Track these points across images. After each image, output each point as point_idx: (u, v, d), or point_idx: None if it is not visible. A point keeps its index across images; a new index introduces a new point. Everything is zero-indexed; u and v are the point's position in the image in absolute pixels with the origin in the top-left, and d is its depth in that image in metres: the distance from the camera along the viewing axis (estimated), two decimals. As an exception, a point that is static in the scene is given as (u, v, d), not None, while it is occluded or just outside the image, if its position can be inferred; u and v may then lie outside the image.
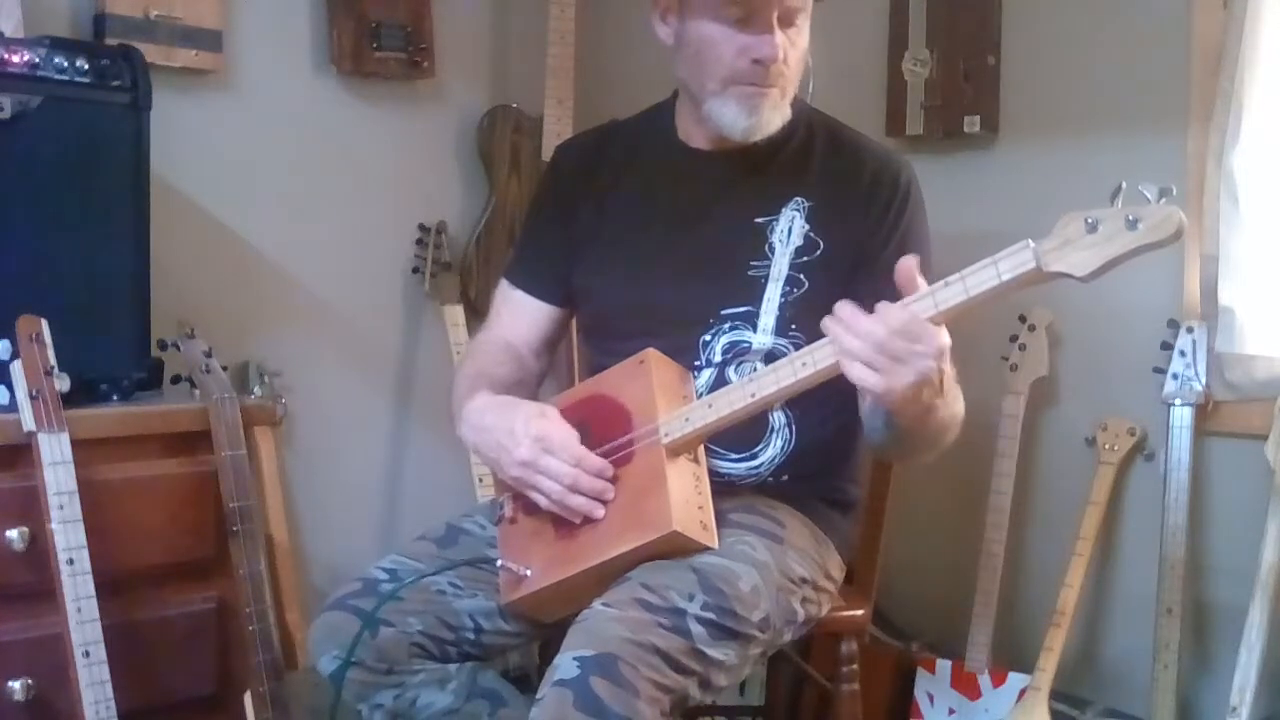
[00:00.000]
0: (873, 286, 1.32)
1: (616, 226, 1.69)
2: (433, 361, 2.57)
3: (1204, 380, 1.98)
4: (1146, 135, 2.06)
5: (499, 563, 1.51)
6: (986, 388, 2.12)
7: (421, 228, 2.55)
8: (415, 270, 2.55)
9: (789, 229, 1.59)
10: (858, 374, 1.27)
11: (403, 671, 1.49)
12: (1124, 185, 1.19)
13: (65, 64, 1.83)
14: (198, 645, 1.91)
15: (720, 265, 1.60)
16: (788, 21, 1.52)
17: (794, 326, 1.58)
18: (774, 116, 1.56)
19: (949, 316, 1.27)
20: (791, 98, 1.58)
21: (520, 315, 1.76)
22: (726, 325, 1.59)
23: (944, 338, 1.27)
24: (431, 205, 2.58)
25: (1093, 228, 1.19)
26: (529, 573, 1.47)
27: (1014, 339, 2.18)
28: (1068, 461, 2.19)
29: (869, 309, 1.27)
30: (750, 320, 1.59)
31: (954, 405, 1.42)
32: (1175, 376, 2.00)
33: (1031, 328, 2.17)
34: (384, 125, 2.54)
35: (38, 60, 1.81)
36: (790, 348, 1.56)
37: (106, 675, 1.67)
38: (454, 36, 2.60)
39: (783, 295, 1.58)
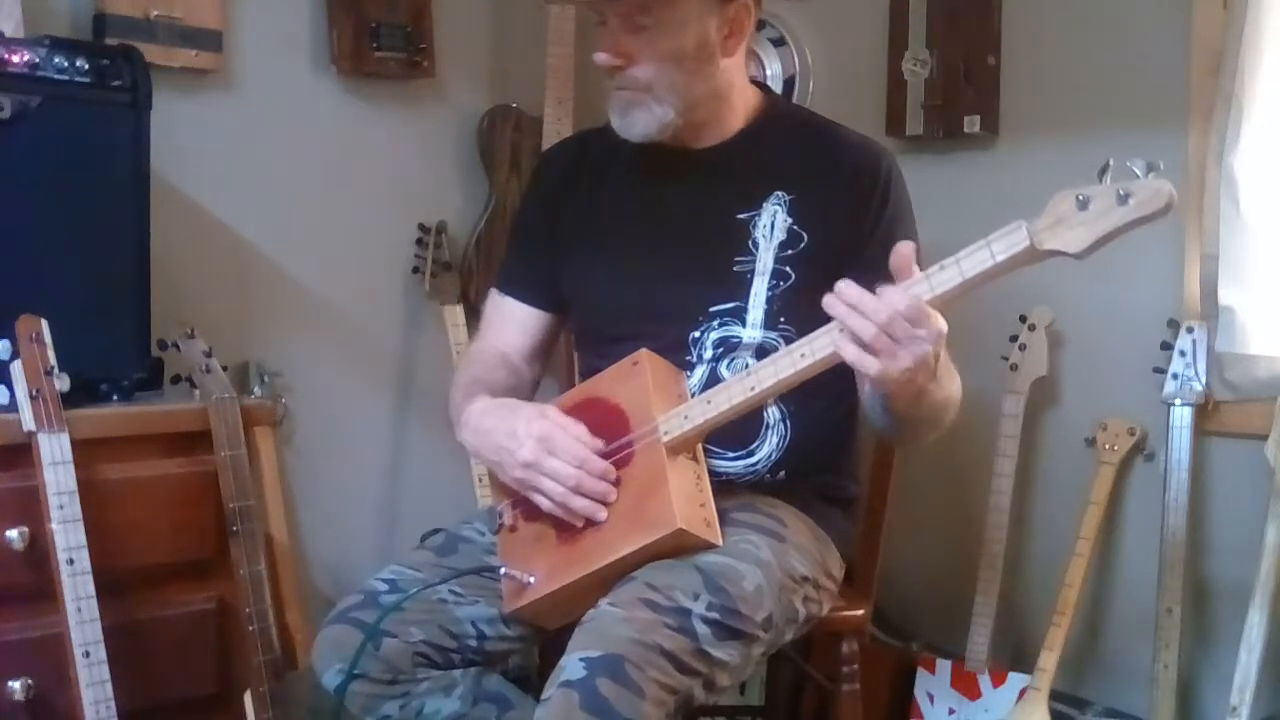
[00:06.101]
0: (861, 276, 1.32)
1: (601, 229, 1.70)
2: (433, 361, 2.57)
3: (1204, 380, 1.98)
4: (1146, 135, 2.06)
5: (502, 571, 1.50)
6: (986, 388, 2.12)
7: (421, 228, 2.55)
8: (415, 270, 2.55)
9: (771, 223, 1.60)
10: (854, 356, 1.28)
11: (407, 681, 1.48)
12: (1111, 162, 1.20)
13: (65, 64, 1.83)
14: (198, 645, 1.91)
15: (705, 262, 1.61)
16: (631, 27, 1.54)
17: (783, 320, 1.58)
18: (642, 117, 1.58)
19: (945, 300, 1.28)
20: (671, 102, 1.57)
21: (511, 322, 1.77)
22: (715, 322, 1.60)
23: (942, 323, 1.28)
24: (431, 205, 2.58)
25: (1084, 205, 1.20)
26: (532, 580, 1.46)
27: (1014, 339, 2.18)
28: (1068, 461, 2.19)
29: None
30: (739, 315, 1.59)
31: (948, 387, 1.43)
32: (1175, 376, 2.00)
33: (1031, 328, 2.17)
34: (384, 125, 2.54)
35: (38, 60, 1.81)
36: (780, 341, 1.57)
37: (106, 675, 1.67)
38: (454, 36, 2.60)
39: (769, 289, 1.58)
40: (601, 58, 1.56)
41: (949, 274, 1.26)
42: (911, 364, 1.27)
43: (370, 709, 1.48)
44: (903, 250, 1.29)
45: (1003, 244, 1.24)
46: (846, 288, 1.28)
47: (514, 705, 1.52)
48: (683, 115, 1.58)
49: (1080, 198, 1.20)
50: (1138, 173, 1.18)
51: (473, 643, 1.53)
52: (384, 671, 1.47)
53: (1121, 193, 1.18)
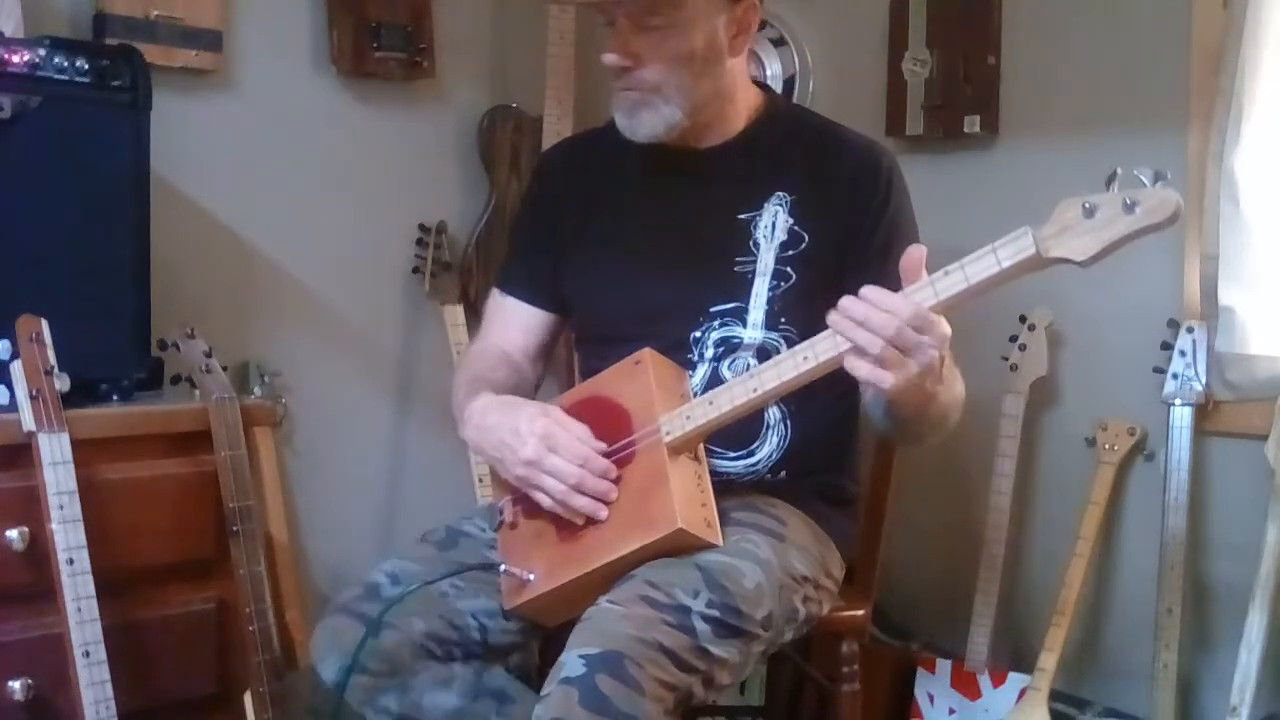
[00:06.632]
0: (862, 277, 1.32)
1: (602, 229, 1.70)
2: (433, 361, 2.56)
3: (1204, 380, 1.98)
4: (1147, 135, 2.06)
5: (501, 568, 1.50)
6: (986, 388, 2.11)
7: (421, 228, 2.55)
8: (415, 270, 2.55)
9: (773, 224, 1.60)
10: (867, 372, 1.28)
11: (406, 673, 1.48)
12: (1119, 171, 1.20)
13: (65, 64, 1.83)
14: (198, 645, 1.91)
15: (706, 262, 1.61)
16: (639, 27, 1.53)
17: (784, 320, 1.58)
18: (649, 118, 1.58)
19: (949, 305, 1.28)
20: (679, 102, 1.57)
21: (513, 322, 1.76)
22: (716, 322, 1.60)
23: (946, 326, 1.29)
24: (431, 205, 2.58)
25: (1090, 213, 1.20)
26: (532, 577, 1.46)
27: (1014, 339, 2.18)
28: (1068, 461, 2.19)
29: None
30: (740, 316, 1.59)
31: (954, 389, 1.44)
32: (1175, 376, 2.00)
33: (1031, 328, 2.17)
34: (384, 125, 2.54)
35: (38, 60, 1.81)
36: (781, 341, 1.57)
37: (106, 675, 1.66)
38: (454, 36, 2.60)
39: (770, 290, 1.59)
40: (610, 58, 1.56)
41: (954, 279, 1.26)
42: (918, 370, 1.27)
43: (369, 702, 1.48)
44: (914, 254, 1.29)
45: (1008, 250, 1.23)
46: (851, 304, 1.28)
47: (514, 700, 1.51)
48: (689, 116, 1.58)
49: (1087, 205, 1.20)
50: (1145, 181, 1.18)
51: (475, 635, 1.52)
52: (383, 664, 1.47)
53: (1128, 201, 1.18)
